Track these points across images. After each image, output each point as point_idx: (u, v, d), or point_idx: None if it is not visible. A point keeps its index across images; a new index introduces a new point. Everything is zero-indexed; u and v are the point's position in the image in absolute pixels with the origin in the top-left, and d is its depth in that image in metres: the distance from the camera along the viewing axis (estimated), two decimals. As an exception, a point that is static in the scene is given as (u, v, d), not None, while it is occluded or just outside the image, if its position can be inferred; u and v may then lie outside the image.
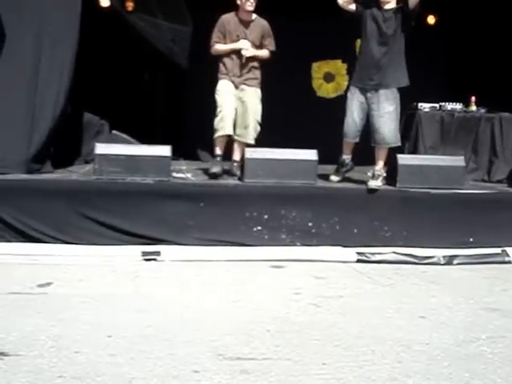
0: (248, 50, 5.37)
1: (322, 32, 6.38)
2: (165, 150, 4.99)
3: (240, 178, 5.23)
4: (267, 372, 2.71)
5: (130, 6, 7.17)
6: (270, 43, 5.53)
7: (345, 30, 5.94)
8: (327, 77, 8.16)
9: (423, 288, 4.24)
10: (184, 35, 7.28)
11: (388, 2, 5.23)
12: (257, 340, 3.10)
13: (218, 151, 5.46)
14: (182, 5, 7.08)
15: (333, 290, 4.07)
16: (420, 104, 6.33)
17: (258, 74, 5.55)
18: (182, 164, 6.03)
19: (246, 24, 5.47)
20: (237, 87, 5.46)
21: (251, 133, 5.42)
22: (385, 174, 5.39)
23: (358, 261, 4.81)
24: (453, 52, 7.72)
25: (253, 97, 5.48)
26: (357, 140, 5.38)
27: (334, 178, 5.48)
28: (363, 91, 5.28)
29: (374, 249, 4.92)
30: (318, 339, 3.15)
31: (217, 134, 5.39)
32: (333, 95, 7.59)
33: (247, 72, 5.48)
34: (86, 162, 5.72)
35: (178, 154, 5.76)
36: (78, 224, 4.74)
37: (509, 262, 4.95)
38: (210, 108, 5.51)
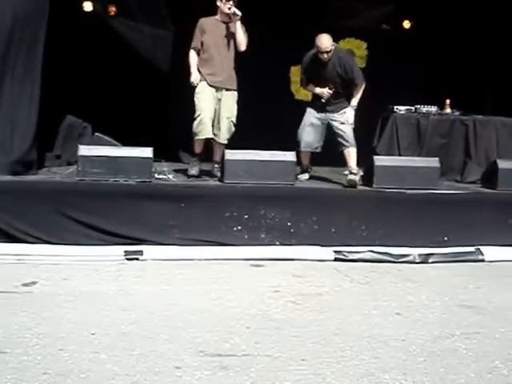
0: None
1: (301, 36, 6.44)
2: (147, 152, 5.03)
3: (220, 179, 5.29)
4: (247, 368, 2.75)
5: (112, 10, 7.22)
6: (242, 42, 5.52)
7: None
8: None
9: (399, 286, 4.28)
10: (165, 40, 7.34)
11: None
12: (237, 337, 3.13)
13: (197, 150, 5.62)
14: (163, 10, 7.13)
15: (311, 288, 4.11)
16: (396, 107, 6.42)
17: (234, 75, 5.63)
18: (164, 165, 6.05)
19: (225, 26, 5.54)
20: (216, 89, 5.54)
21: (225, 133, 5.55)
22: (361, 173, 5.62)
23: (336, 259, 4.86)
24: (428, 56, 7.85)
25: (229, 98, 5.57)
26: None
27: (302, 176, 5.87)
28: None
29: (351, 248, 4.98)
30: (296, 336, 3.19)
31: (196, 138, 5.52)
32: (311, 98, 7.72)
33: (226, 74, 5.56)
34: (70, 164, 5.73)
35: (159, 156, 5.78)
36: (61, 225, 4.75)
37: (482, 261, 5.04)
38: (191, 111, 5.57)
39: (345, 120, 5.73)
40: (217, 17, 5.60)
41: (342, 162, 5.97)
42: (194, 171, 5.58)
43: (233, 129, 5.62)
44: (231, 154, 5.23)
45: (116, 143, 5.70)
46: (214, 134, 5.57)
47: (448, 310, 3.74)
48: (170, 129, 7.32)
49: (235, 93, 5.64)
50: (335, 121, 5.79)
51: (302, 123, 5.88)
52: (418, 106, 6.47)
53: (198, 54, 5.60)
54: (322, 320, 3.47)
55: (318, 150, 5.92)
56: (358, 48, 8.16)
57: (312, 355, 2.94)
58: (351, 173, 5.60)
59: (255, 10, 5.87)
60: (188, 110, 5.67)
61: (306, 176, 5.95)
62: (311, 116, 5.87)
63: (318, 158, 6.17)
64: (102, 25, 7.11)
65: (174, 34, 7.35)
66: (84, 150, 4.96)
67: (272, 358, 2.89)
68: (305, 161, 6.00)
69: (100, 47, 6.95)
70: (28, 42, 4.96)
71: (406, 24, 8.45)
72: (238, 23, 5.49)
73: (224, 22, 5.56)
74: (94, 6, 7.31)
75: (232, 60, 5.63)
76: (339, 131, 5.77)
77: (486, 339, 3.26)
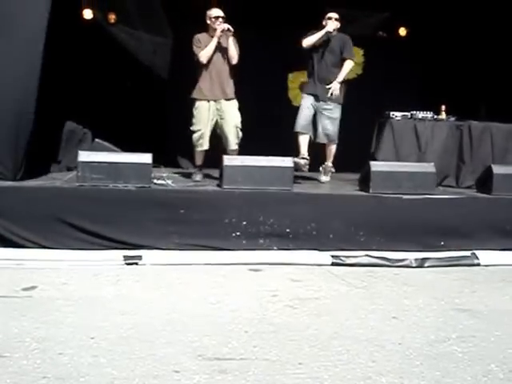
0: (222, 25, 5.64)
1: (298, 42, 6.49)
2: (146, 158, 5.06)
3: (219, 185, 5.32)
4: (245, 372, 2.76)
5: (112, 18, 7.28)
6: (234, 56, 5.75)
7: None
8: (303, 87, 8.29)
9: (396, 290, 4.30)
10: (164, 47, 7.40)
11: None
12: (235, 341, 3.15)
13: (198, 162, 5.92)
14: (162, 17, 7.20)
15: (309, 292, 4.12)
16: (392, 112, 6.46)
17: (232, 85, 5.84)
18: (163, 171, 6.10)
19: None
20: (215, 101, 5.74)
21: (234, 140, 5.77)
22: (334, 170, 6.12)
23: (333, 264, 4.88)
24: (423, 62, 7.90)
25: (231, 107, 5.77)
26: None
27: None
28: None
29: (348, 252, 5.01)
30: (294, 340, 3.20)
31: (197, 149, 5.81)
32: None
33: (224, 85, 5.76)
34: (69, 170, 5.76)
35: (158, 162, 5.84)
36: (60, 230, 4.77)
37: (478, 265, 5.06)
38: (190, 117, 5.63)
39: (334, 96, 6.08)
40: (208, 33, 5.78)
41: (341, 167, 6.05)
42: (198, 177, 5.85)
43: (240, 134, 5.83)
44: (229, 160, 5.27)
45: (116, 149, 5.75)
46: (224, 143, 5.80)
47: (444, 314, 3.76)
48: (168, 135, 7.36)
49: (235, 101, 5.82)
50: (324, 112, 6.10)
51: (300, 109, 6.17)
52: (414, 112, 6.51)
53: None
54: (320, 324, 3.48)
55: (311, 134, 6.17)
56: (355, 55, 8.19)
57: (309, 359, 2.95)
58: (325, 171, 6.20)
59: (252, 16, 5.93)
60: (186, 117, 5.73)
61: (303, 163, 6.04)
62: (306, 100, 6.16)
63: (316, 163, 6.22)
64: (102, 32, 7.16)
65: (173, 42, 7.41)
66: (84, 156, 4.99)
67: (270, 362, 2.90)
68: (303, 148, 6.10)
69: (100, 54, 7.00)
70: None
71: (402, 31, 8.51)
72: (231, 38, 5.71)
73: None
74: (94, 14, 7.38)
75: (227, 71, 5.81)
76: (326, 125, 6.09)
77: (482, 343, 3.27)
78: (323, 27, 6.12)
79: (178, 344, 3.08)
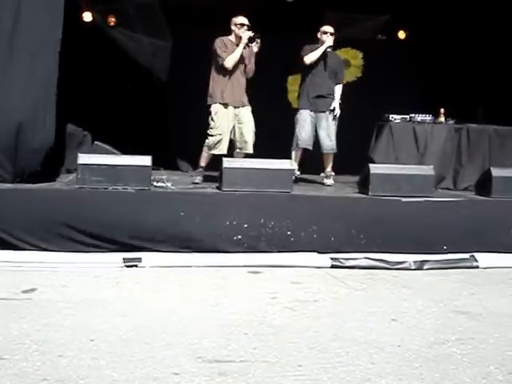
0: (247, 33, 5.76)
1: (297, 46, 6.52)
2: (145, 160, 5.07)
3: (218, 187, 5.33)
4: (245, 374, 2.76)
5: (111, 21, 7.32)
6: (252, 67, 5.90)
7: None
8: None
9: (395, 292, 4.31)
10: (164, 50, 7.43)
11: None
12: (234, 343, 3.15)
13: (203, 164, 5.92)
14: (161, 20, 7.22)
15: (308, 295, 4.13)
16: (391, 115, 6.49)
17: (246, 94, 5.95)
18: (163, 173, 6.11)
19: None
20: (234, 107, 5.82)
21: (251, 144, 5.89)
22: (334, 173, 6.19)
23: (333, 266, 4.89)
24: (422, 66, 7.93)
25: (248, 112, 5.91)
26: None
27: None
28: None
29: (348, 254, 5.02)
30: (293, 342, 3.20)
31: (211, 152, 5.80)
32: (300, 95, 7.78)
33: (243, 91, 5.89)
34: (69, 172, 5.76)
35: (158, 164, 5.85)
36: (60, 232, 4.77)
37: (477, 267, 5.07)
38: (189, 120, 5.65)
39: (334, 119, 6.20)
40: (231, 38, 5.85)
41: (341, 170, 6.06)
42: (197, 179, 5.84)
43: (254, 138, 5.95)
44: (229, 162, 5.28)
45: (115, 151, 5.76)
46: (241, 148, 5.88)
47: (443, 316, 3.76)
48: (168, 137, 7.37)
49: (249, 107, 5.95)
50: (324, 125, 6.18)
51: (298, 123, 6.23)
52: (413, 115, 6.55)
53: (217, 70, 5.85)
54: (319, 326, 3.49)
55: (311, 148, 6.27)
56: (354, 58, 8.24)
57: (309, 361, 2.95)
58: (327, 176, 6.27)
59: (250, 19, 5.95)
60: (186, 120, 5.75)
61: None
62: (306, 114, 6.22)
63: (314, 165, 6.24)
64: (102, 35, 7.19)
65: (172, 44, 7.43)
66: (83, 158, 5.00)
67: (269, 364, 2.90)
68: (297, 161, 6.25)
69: (99, 57, 7.03)
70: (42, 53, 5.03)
71: (402, 34, 8.55)
72: (255, 51, 5.83)
73: (237, 45, 5.81)
74: (93, 17, 7.41)
75: (245, 78, 5.93)
76: (329, 136, 6.17)
77: (481, 345, 3.28)
78: (318, 40, 6.19)
79: (177, 346, 3.08)
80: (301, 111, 6.28)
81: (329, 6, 6.95)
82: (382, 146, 6.40)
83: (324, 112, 6.22)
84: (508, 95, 7.06)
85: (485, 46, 7.45)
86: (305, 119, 6.21)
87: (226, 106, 5.81)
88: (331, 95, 6.28)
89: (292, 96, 8.29)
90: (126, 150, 5.72)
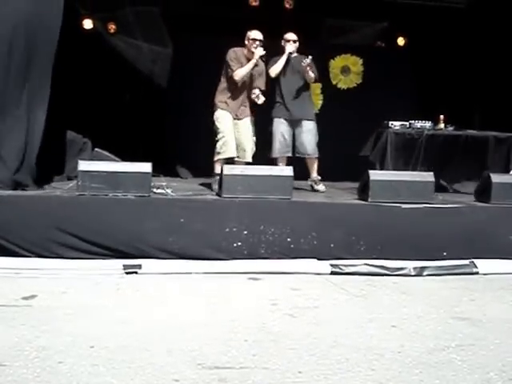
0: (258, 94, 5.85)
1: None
2: (145, 167, 5.08)
3: (218, 194, 5.34)
4: (245, 380, 2.76)
5: (112, 28, 7.35)
6: (263, 82, 5.97)
7: (321, 51, 6.13)
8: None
9: (395, 298, 4.31)
10: (164, 57, 7.46)
11: None
12: (234, 349, 3.14)
13: (218, 171, 5.80)
14: (162, 27, 7.25)
15: (308, 301, 4.13)
16: (390, 122, 6.50)
17: (248, 105, 6.02)
18: (162, 180, 6.12)
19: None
20: (234, 117, 5.89)
21: (249, 153, 5.93)
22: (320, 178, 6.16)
23: (332, 273, 4.90)
24: (422, 72, 7.95)
25: (246, 124, 5.96)
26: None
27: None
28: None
29: (347, 261, 5.02)
30: (293, 348, 3.20)
31: (220, 157, 5.81)
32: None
33: (247, 103, 5.97)
34: (70, 179, 5.78)
35: (158, 171, 5.86)
36: (60, 239, 4.78)
37: (476, 273, 5.07)
38: (189, 127, 5.67)
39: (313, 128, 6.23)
40: (244, 51, 5.89)
41: (340, 176, 6.06)
42: (215, 188, 5.77)
43: (254, 148, 5.98)
44: (229, 169, 5.29)
45: (115, 158, 5.77)
46: (239, 156, 5.90)
47: (443, 322, 3.76)
48: (168, 144, 7.39)
49: (250, 118, 6.02)
50: (301, 129, 6.22)
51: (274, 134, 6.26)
52: (413, 122, 6.55)
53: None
54: (319, 332, 3.49)
55: (290, 154, 6.28)
56: (354, 64, 8.26)
57: (309, 367, 2.95)
58: (316, 182, 6.28)
59: (250, 26, 5.98)
60: (185, 127, 5.77)
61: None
62: (280, 125, 6.25)
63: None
64: (102, 42, 7.22)
65: (172, 51, 7.46)
66: (84, 165, 5.01)
67: (269, 371, 2.90)
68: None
69: (99, 64, 7.05)
70: (40, 63, 5.05)
71: (401, 41, 8.59)
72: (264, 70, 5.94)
73: (249, 58, 5.86)
74: (93, 24, 7.44)
75: (248, 92, 5.96)
76: (304, 141, 6.22)
77: (481, 351, 3.28)
78: (283, 49, 6.21)
79: (177, 353, 3.08)
80: (275, 119, 6.29)
81: (327, 13, 6.98)
82: (381, 152, 6.40)
83: (300, 119, 6.24)
84: (507, 101, 7.08)
85: (484, 51, 7.47)
86: (278, 129, 6.24)
87: (226, 111, 5.88)
88: (306, 100, 6.34)
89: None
90: (126, 157, 5.73)
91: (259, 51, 5.78)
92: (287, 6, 7.96)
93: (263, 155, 6.05)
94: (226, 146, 5.79)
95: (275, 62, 6.20)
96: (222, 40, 6.27)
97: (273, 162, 5.98)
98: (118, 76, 7.22)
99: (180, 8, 7.21)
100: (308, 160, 6.34)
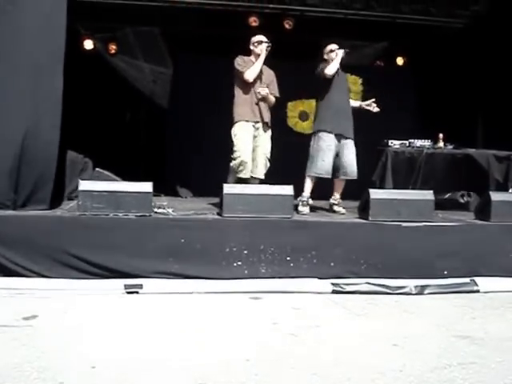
0: (264, 89, 5.76)
1: (297, 73, 6.61)
2: (146, 187, 5.09)
3: (219, 213, 5.36)
4: (247, 399, 2.76)
5: (112, 48, 7.42)
6: (276, 89, 5.94)
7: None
8: (302, 115, 8.41)
9: (396, 317, 4.31)
10: (164, 76, 7.52)
11: None
12: (236, 369, 3.14)
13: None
14: (162, 48, 7.33)
15: (309, 320, 4.12)
16: (390, 141, 6.54)
17: (269, 115, 5.93)
18: (163, 200, 6.14)
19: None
20: (253, 126, 5.80)
21: (262, 169, 5.86)
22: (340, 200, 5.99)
23: (334, 291, 4.89)
24: (421, 91, 8.02)
25: (266, 135, 5.87)
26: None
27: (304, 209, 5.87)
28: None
29: (349, 280, 5.02)
30: (295, 367, 3.19)
31: (238, 176, 5.75)
32: (308, 132, 7.89)
33: (264, 111, 5.85)
34: (70, 199, 5.79)
35: (159, 190, 5.88)
36: (61, 259, 4.77)
37: (477, 291, 5.07)
38: (190, 146, 5.69)
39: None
40: (252, 58, 5.89)
41: (341, 195, 6.06)
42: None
43: (268, 164, 5.90)
44: (229, 188, 5.31)
45: (116, 178, 5.79)
46: (251, 171, 5.82)
47: (445, 341, 3.76)
48: (168, 164, 7.42)
49: (270, 130, 5.92)
50: (348, 148, 5.98)
51: (318, 147, 5.90)
52: (412, 140, 6.59)
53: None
54: (321, 351, 3.48)
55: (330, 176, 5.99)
56: (354, 83, 8.32)
57: (311, 386, 2.93)
58: (338, 203, 6.08)
59: (249, 47, 6.05)
60: (186, 146, 5.80)
61: (306, 209, 5.92)
62: (328, 141, 5.88)
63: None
64: (103, 62, 7.29)
65: (173, 71, 7.52)
66: (85, 185, 5.03)
67: (271, 390, 2.89)
68: (309, 190, 6.00)
69: (100, 84, 7.12)
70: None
71: (400, 60, 8.67)
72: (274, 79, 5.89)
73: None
74: (94, 44, 7.52)
75: (265, 100, 5.90)
76: (352, 161, 5.98)
77: (483, 369, 3.27)
78: (325, 60, 6.07)
79: (178, 373, 3.07)
80: (322, 133, 5.89)
81: (327, 34, 7.04)
82: (381, 170, 6.42)
83: (350, 138, 5.97)
84: (508, 118, 7.11)
85: (484, 70, 7.53)
86: (327, 145, 5.85)
87: (244, 124, 5.77)
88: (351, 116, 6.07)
89: (292, 121, 8.40)
90: (126, 177, 5.75)
91: (265, 45, 5.72)
92: (287, 26, 8.05)
93: (276, 173, 5.88)
94: (242, 167, 5.73)
95: (327, 62, 5.92)
96: (222, 60, 6.31)
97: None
98: (119, 96, 7.29)
99: (180, 28, 7.29)
100: (341, 181, 6.08)
